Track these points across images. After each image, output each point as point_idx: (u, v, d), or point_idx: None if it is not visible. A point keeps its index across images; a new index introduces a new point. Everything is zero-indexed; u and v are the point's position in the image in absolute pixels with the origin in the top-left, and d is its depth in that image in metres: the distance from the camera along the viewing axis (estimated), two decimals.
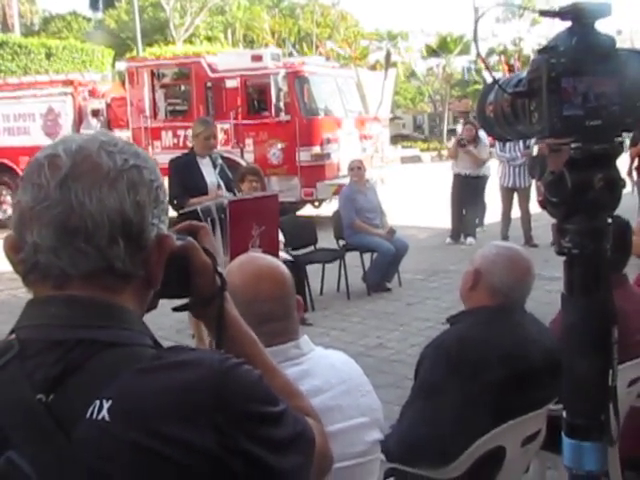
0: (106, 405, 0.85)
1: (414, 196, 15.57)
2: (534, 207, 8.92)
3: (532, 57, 1.30)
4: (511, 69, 20.41)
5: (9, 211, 12.95)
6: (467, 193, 9.81)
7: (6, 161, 13.10)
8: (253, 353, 1.12)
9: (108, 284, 0.95)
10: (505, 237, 9.34)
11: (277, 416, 0.97)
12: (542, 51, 1.19)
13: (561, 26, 1.24)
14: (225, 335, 1.09)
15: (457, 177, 9.91)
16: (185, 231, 1.14)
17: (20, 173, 1.01)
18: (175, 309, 1.12)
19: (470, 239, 9.84)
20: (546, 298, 5.93)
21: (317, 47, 27.90)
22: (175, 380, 0.89)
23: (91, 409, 0.86)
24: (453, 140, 10.59)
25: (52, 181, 0.92)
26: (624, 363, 2.41)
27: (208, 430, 0.87)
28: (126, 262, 0.95)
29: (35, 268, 0.94)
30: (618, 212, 1.33)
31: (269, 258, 1.73)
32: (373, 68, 21.09)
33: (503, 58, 28.28)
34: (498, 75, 1.36)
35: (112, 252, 0.94)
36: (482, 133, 9.93)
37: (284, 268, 1.69)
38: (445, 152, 22.26)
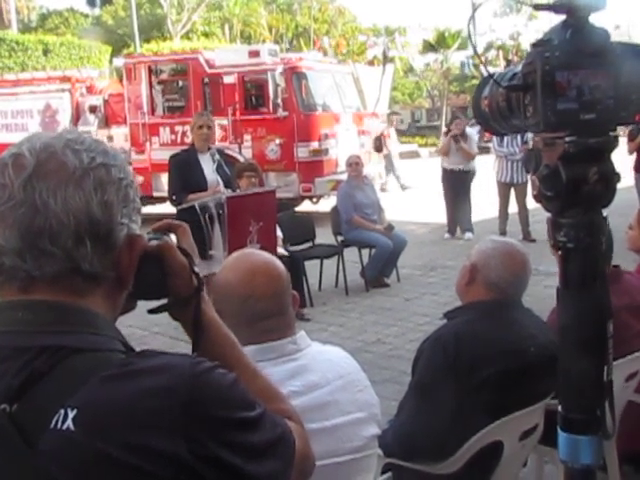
0: (71, 414, 0.82)
1: (412, 191, 15.56)
2: (532, 202, 8.92)
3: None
4: (509, 64, 20.41)
5: None
6: (460, 188, 9.83)
7: None
8: (232, 355, 1.09)
9: (76, 287, 0.93)
10: (503, 232, 9.35)
11: (253, 421, 0.94)
12: (536, 45, 1.19)
13: (558, 20, 1.24)
14: (203, 337, 1.06)
15: (450, 172, 9.92)
16: (162, 230, 1.11)
17: None
18: (151, 311, 1.08)
19: (468, 234, 9.85)
20: (543, 293, 5.93)
21: (315, 43, 27.84)
22: (144, 387, 0.85)
23: (56, 419, 0.82)
24: (443, 136, 10.60)
25: (16, 181, 0.89)
26: (624, 357, 2.41)
27: (179, 438, 0.84)
28: (94, 263, 0.93)
29: (0, 271, 0.91)
30: (618, 207, 1.33)
31: (264, 254, 1.72)
32: (371, 63, 21.04)
33: (501, 53, 28.28)
34: (495, 70, 1.35)
35: (79, 253, 0.91)
36: (469, 129, 10.00)
37: (279, 264, 1.68)
38: None
